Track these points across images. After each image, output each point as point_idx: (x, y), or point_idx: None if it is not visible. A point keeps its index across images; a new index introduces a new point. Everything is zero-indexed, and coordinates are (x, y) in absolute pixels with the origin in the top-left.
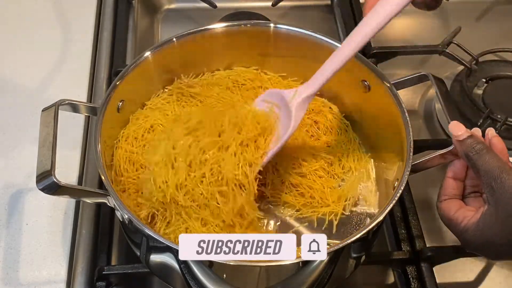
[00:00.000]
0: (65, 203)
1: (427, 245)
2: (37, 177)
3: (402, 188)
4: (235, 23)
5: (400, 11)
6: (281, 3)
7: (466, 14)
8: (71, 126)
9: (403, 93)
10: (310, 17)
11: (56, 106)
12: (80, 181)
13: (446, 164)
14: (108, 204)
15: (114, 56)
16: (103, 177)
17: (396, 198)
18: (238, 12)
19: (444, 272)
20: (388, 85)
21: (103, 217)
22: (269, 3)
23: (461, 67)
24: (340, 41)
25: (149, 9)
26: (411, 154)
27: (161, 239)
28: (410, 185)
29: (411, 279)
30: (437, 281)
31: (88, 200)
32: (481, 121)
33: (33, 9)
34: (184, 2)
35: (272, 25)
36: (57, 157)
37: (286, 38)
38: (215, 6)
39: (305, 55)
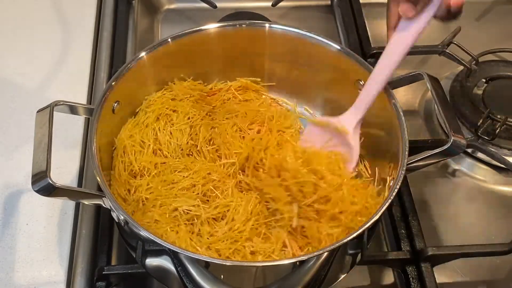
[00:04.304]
0: (65, 203)
1: (427, 245)
2: (32, 178)
3: (397, 187)
4: (230, 23)
5: (422, 31)
6: (281, 3)
7: (466, 14)
8: (72, 126)
9: (403, 93)
10: (310, 17)
11: (51, 107)
12: (80, 181)
13: (441, 162)
14: (104, 205)
15: (114, 56)
16: (98, 178)
17: (392, 198)
18: (238, 12)
19: (444, 272)
20: None
21: (103, 217)
22: (269, 3)
23: (461, 67)
24: (339, 41)
25: (149, 9)
26: (406, 153)
27: (158, 241)
28: (409, 185)
29: (411, 279)
30: (437, 281)
31: (85, 202)
32: (481, 121)
33: (33, 9)
34: (184, 2)
35: (267, 25)
36: (57, 158)
37: (282, 38)
38: (215, 6)
39: (301, 55)
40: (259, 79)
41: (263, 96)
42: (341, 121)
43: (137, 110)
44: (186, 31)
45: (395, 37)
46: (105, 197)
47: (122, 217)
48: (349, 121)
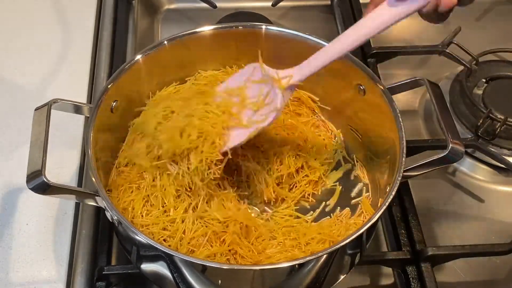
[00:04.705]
0: (65, 203)
1: (427, 245)
2: (27, 176)
3: (393, 193)
4: (226, 25)
5: (403, 18)
6: (281, 3)
7: (466, 14)
8: (73, 125)
9: (403, 93)
10: (310, 17)
11: (48, 106)
12: (80, 181)
13: (439, 169)
14: (97, 204)
15: (114, 56)
16: (93, 178)
17: (387, 204)
18: (238, 13)
19: (444, 272)
20: (383, 88)
21: (103, 217)
22: (269, 3)
23: (461, 67)
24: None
25: (149, 9)
26: (403, 159)
27: (152, 243)
28: (410, 185)
29: (411, 279)
30: (437, 281)
31: (80, 200)
32: (481, 121)
33: (33, 9)
34: (184, 2)
35: (264, 26)
36: (57, 157)
37: (278, 39)
38: (215, 6)
39: (299, 56)
40: (317, 99)
41: (315, 116)
42: (280, 74)
43: (186, 79)
44: (182, 33)
45: (371, 14)
46: (99, 195)
47: (115, 217)
48: (288, 78)
